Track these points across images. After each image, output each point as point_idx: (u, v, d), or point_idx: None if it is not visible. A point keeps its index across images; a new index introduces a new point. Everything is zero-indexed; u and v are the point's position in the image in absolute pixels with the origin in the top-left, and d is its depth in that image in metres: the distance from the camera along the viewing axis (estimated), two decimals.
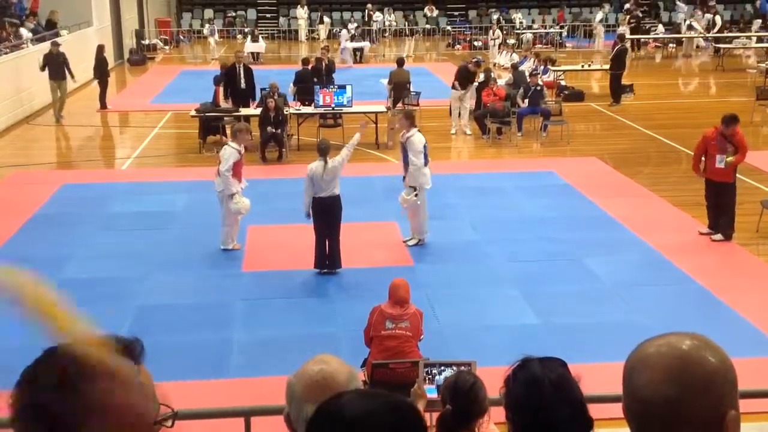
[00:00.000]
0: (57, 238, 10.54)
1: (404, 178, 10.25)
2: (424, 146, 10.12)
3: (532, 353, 2.43)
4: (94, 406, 1.38)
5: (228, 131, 16.34)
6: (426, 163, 10.15)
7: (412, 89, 17.73)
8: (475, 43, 31.35)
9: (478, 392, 3.99)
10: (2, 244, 10.26)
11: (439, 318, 8.16)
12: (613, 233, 10.70)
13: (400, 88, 17.61)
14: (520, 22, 34.48)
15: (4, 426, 1.47)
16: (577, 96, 20.16)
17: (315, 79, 17.56)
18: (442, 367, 4.41)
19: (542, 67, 19.94)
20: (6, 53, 18.60)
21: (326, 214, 9.31)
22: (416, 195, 10.04)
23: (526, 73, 18.44)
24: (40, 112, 19.30)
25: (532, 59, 21.08)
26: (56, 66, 17.99)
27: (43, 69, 17.94)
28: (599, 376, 6.41)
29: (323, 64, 18.93)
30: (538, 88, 16.58)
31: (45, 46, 20.98)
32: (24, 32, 20.83)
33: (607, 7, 34.94)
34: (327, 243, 9.39)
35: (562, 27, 33.10)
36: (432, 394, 4.31)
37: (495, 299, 8.75)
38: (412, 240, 10.34)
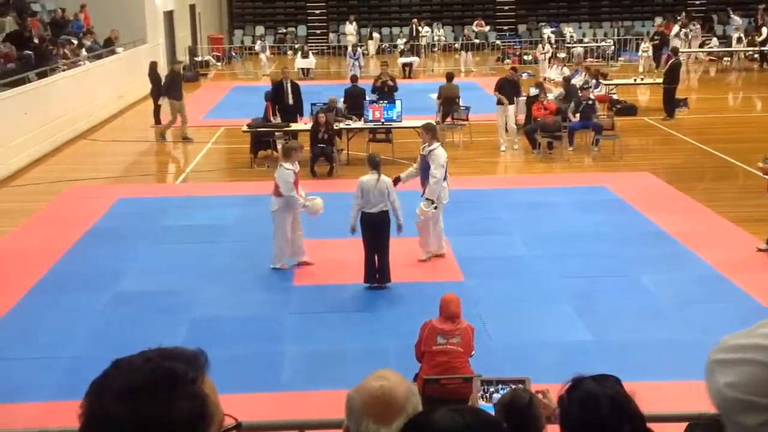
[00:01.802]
0: (113, 251, 10.73)
1: (423, 192, 10.14)
2: (446, 161, 10.08)
3: (586, 371, 2.39)
4: (161, 418, 1.40)
5: (279, 147, 16.56)
6: (445, 178, 10.11)
7: (461, 104, 17.71)
8: (525, 57, 31.21)
9: (535, 410, 3.93)
10: (60, 257, 10.48)
11: (491, 334, 8.09)
12: (668, 249, 10.51)
13: (449, 102, 17.59)
14: (571, 36, 34.26)
15: None
16: (629, 110, 19.92)
17: (378, 98, 17.46)
18: (499, 385, 4.36)
19: (593, 81, 19.74)
20: (64, 70, 19.08)
21: (375, 229, 9.31)
22: (435, 208, 9.98)
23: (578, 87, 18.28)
24: (97, 127, 19.74)
25: (583, 73, 20.89)
26: (177, 85, 18.15)
27: (164, 89, 18.05)
28: (655, 395, 6.31)
29: (386, 83, 18.71)
30: (590, 102, 16.42)
31: (102, 63, 21.52)
32: (83, 50, 21.36)
33: (658, 20, 34.52)
34: (376, 257, 9.38)
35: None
36: (488, 411, 4.27)
37: (547, 315, 8.65)
38: (426, 255, 10.18)
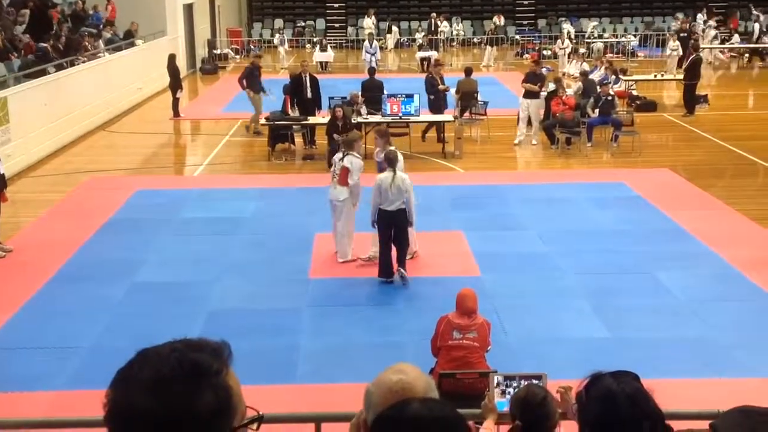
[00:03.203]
0: (131, 242, 10.79)
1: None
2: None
3: (603, 367, 2.38)
4: (186, 409, 1.40)
5: (297, 139, 16.58)
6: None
7: (479, 99, 17.65)
8: (545, 53, 31.05)
9: (549, 406, 3.92)
10: (79, 248, 10.55)
11: (507, 329, 8.07)
12: (687, 246, 10.44)
13: (467, 97, 17.53)
14: (591, 32, 34.04)
15: (100, 425, 1.50)
16: (649, 106, 19.78)
17: (431, 96, 16.86)
18: (522, 381, 4.35)
19: (613, 77, 19.62)
20: (83, 62, 19.19)
21: (392, 226, 9.26)
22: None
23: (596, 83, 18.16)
24: (116, 119, 19.84)
25: (603, 68, 20.75)
26: (256, 78, 18.04)
27: (245, 82, 17.96)
28: (672, 392, 6.27)
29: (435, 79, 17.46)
30: (609, 97, 16.31)
31: (121, 55, 21.62)
32: (100, 42, 21.47)
33: (680, 15, 34.22)
34: (393, 253, 9.34)
35: (734, 33, 31.69)
36: (504, 408, 4.25)
37: (564, 312, 8.62)
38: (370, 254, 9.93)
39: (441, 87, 16.80)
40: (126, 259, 10.11)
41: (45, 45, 18.25)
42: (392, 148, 9.89)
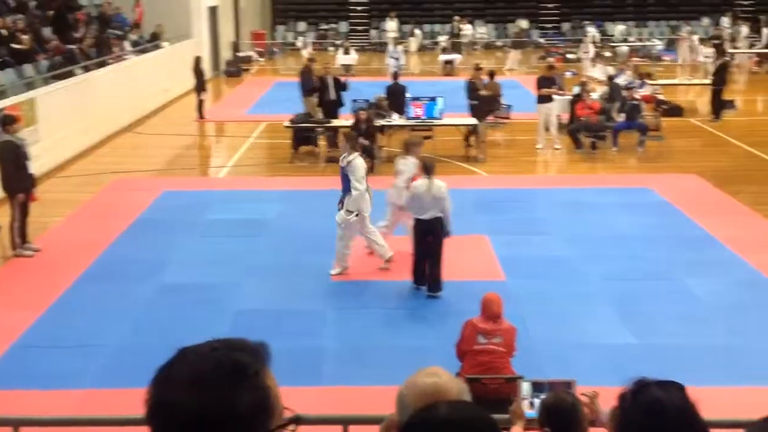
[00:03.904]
0: (157, 243, 10.87)
1: (340, 201, 9.70)
2: (366, 171, 9.66)
3: (630, 375, 2.34)
4: (225, 408, 1.40)
5: (320, 141, 16.61)
6: (366, 188, 9.63)
7: (503, 102, 17.59)
8: (569, 56, 30.92)
9: (578, 413, 3.89)
10: (106, 248, 10.64)
11: (532, 334, 8.02)
12: (714, 253, 10.34)
13: (491, 101, 17.48)
14: (619, 35, 33.84)
15: (127, 423, 1.51)
16: (675, 111, 19.63)
17: (473, 102, 16.59)
18: (545, 387, 4.33)
19: (638, 81, 19.48)
20: (110, 63, 19.35)
21: (428, 236, 8.98)
22: (357, 215, 9.53)
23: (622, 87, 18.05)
24: (142, 120, 19.99)
25: (629, 72, 20.61)
26: (308, 80, 17.93)
27: (310, 87, 17.86)
28: (700, 401, 6.21)
29: (476, 83, 17.11)
30: (635, 102, 16.21)
31: (147, 58, 21.79)
32: (127, 44, 21.65)
33: (705, 20, 33.97)
34: (426, 264, 9.11)
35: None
36: (532, 416, 4.24)
37: (589, 317, 8.56)
38: (335, 270, 9.73)
39: (482, 92, 16.62)
40: (152, 260, 10.18)
41: (73, 47, 18.43)
42: (354, 154, 9.64)
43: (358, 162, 9.59)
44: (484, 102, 16.64)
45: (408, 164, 9.97)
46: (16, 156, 10.17)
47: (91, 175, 14.72)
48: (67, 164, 15.49)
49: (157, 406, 1.43)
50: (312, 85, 17.55)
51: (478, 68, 17.83)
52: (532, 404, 4.34)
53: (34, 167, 10.91)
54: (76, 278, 9.61)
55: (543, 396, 4.33)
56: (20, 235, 10.39)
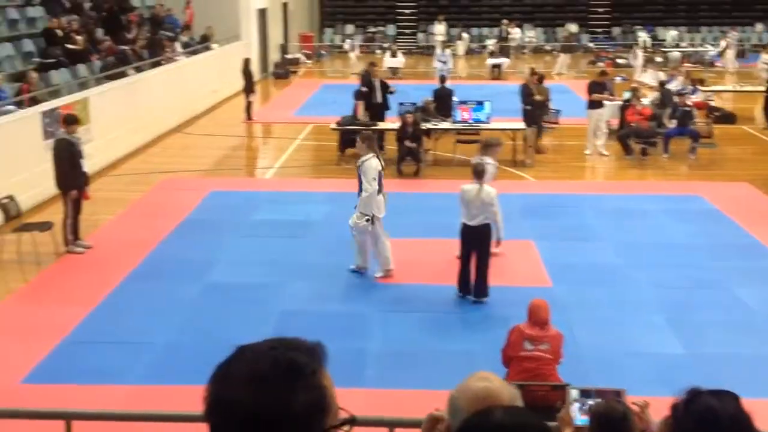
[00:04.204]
0: (204, 242, 10.99)
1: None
2: (379, 173, 9.54)
3: (679, 384, 2.30)
4: (283, 407, 1.41)
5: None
6: (380, 191, 9.57)
7: (551, 107, 17.44)
8: (619, 61, 30.55)
9: (630, 422, 3.83)
10: (155, 246, 10.80)
11: (579, 342, 7.92)
12: (765, 262, 10.14)
13: (539, 105, 17.33)
14: (671, 41, 33.35)
15: (198, 420, 1.52)
16: (728, 118, 19.26)
17: (526, 107, 16.24)
18: (593, 395, 4.27)
19: (690, 87, 19.17)
20: (163, 64, 19.64)
21: (475, 242, 8.84)
22: (368, 221, 9.47)
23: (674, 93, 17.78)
24: (191, 121, 20.25)
25: (681, 78, 20.30)
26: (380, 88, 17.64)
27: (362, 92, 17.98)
28: (754, 413, 6.07)
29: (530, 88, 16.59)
30: (687, 108, 15.95)
31: (197, 59, 22.08)
32: (177, 45, 21.97)
33: (759, 26, 33.30)
34: (472, 270, 9.00)
35: None
36: (582, 423, 4.18)
37: (638, 326, 8.44)
38: (353, 266, 9.82)
39: (537, 97, 16.44)
40: (199, 259, 10.30)
41: (125, 47, 18.76)
42: (370, 155, 9.50)
43: (372, 163, 9.53)
44: (538, 107, 16.46)
45: (487, 166, 9.87)
46: (71, 154, 10.38)
47: (141, 174, 14.95)
48: (118, 163, 15.75)
49: (215, 403, 1.45)
50: (364, 90, 17.54)
51: (533, 73, 17.57)
52: (583, 407, 4.28)
53: (87, 166, 11.11)
54: (125, 276, 9.76)
55: (591, 403, 4.27)
56: (72, 232, 10.59)
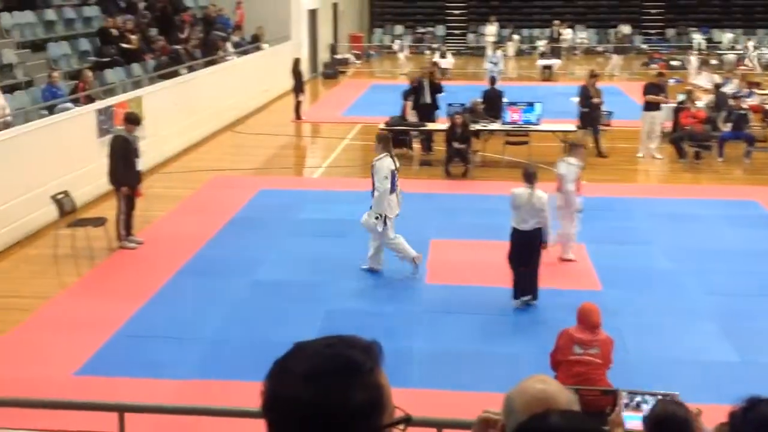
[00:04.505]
0: (253, 240, 11.09)
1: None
2: (392, 172, 9.52)
3: (733, 392, 2.24)
4: (340, 404, 1.41)
5: (414, 145, 16.64)
6: (393, 191, 9.57)
7: (603, 109, 17.21)
8: (673, 63, 30.04)
9: (691, 427, 3.74)
10: (205, 243, 10.93)
11: (628, 347, 7.81)
12: None
13: (597, 107, 17.11)
14: (727, 43, 32.70)
15: (256, 416, 1.52)
16: None
17: (585, 109, 16.07)
18: (645, 396, 4.19)
19: (747, 90, 18.76)
20: (214, 64, 19.87)
21: (527, 247, 8.71)
22: (376, 219, 9.49)
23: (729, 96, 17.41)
24: (242, 120, 20.46)
25: (736, 81, 19.88)
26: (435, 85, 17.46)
27: (437, 91, 17.76)
28: None
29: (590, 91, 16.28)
30: (742, 111, 15.61)
31: (248, 59, 22.30)
32: (229, 45, 22.21)
33: None
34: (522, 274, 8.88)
35: None
36: (634, 421, 4.11)
37: (690, 332, 8.28)
38: (365, 264, 9.90)
39: (595, 100, 16.18)
40: (248, 257, 10.39)
41: (178, 47, 19.04)
42: (384, 154, 9.57)
43: (384, 162, 9.57)
44: (596, 109, 16.23)
45: (571, 167, 9.78)
46: (126, 151, 10.54)
47: (192, 172, 15.15)
48: (170, 161, 15.99)
49: (272, 399, 1.45)
50: (435, 89, 17.50)
51: (593, 75, 17.30)
52: (637, 406, 4.21)
53: (141, 164, 11.28)
54: (176, 272, 9.90)
55: (641, 401, 4.20)
56: (125, 228, 10.77)
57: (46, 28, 16.40)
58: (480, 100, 16.77)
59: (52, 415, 5.78)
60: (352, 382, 1.42)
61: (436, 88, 16.94)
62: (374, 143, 9.90)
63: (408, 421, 1.53)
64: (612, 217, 12.09)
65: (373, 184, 9.63)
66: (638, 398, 4.20)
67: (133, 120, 10.78)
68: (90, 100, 13.84)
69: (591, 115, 16.10)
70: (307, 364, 1.44)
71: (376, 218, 9.52)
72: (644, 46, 33.92)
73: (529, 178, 8.80)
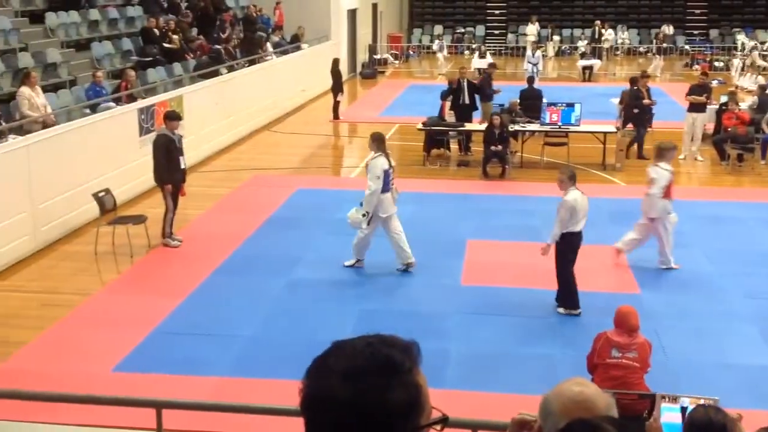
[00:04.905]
0: (290, 239, 11.15)
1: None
2: (384, 172, 9.60)
3: None
4: (379, 403, 1.40)
5: (452, 145, 16.60)
6: (387, 190, 9.69)
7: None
8: (716, 64, 29.57)
9: None
10: (243, 242, 11.02)
11: (667, 351, 7.71)
12: None
13: (647, 109, 16.90)
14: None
15: (292, 414, 1.53)
16: None
17: (635, 110, 15.91)
18: (683, 399, 4.14)
19: None
20: (255, 64, 20.04)
21: (578, 249, 8.66)
22: (364, 216, 9.62)
23: None
24: (280, 120, 20.60)
25: None
26: (489, 86, 17.60)
27: (489, 93, 17.36)
28: None
29: (641, 91, 16.07)
30: None
31: (287, 59, 22.44)
32: (269, 45, 22.38)
33: None
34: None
35: None
36: (670, 413, 4.06)
37: (730, 336, 8.15)
38: (348, 261, 10.05)
39: (646, 101, 15.97)
40: (285, 255, 10.45)
41: (219, 47, 19.22)
42: (379, 153, 9.68)
43: (378, 161, 9.72)
44: (646, 111, 15.99)
45: (661, 172, 9.64)
46: (169, 149, 10.67)
47: (231, 171, 15.29)
48: (209, 159, 16.15)
49: (311, 397, 1.45)
50: (491, 91, 17.46)
51: (644, 75, 17.06)
52: (675, 399, 4.16)
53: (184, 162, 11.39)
54: (213, 270, 10.00)
55: (677, 403, 4.14)
56: (169, 226, 10.90)
57: (90, 27, 16.67)
58: (517, 100, 16.67)
59: (92, 410, 5.87)
60: (391, 381, 1.42)
61: (475, 89, 16.89)
62: (369, 142, 10.05)
63: (445, 421, 1.52)
64: None
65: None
66: (674, 399, 4.15)
67: (173, 117, 10.91)
68: (132, 99, 14.03)
69: (641, 117, 15.89)
70: (346, 362, 1.44)
71: (364, 215, 9.69)
72: (687, 47, 33.43)
73: (575, 179, 8.76)
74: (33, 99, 11.84)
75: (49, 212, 10.95)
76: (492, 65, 18.91)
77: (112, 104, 13.39)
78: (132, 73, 14.63)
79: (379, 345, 1.46)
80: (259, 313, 8.75)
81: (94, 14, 17.00)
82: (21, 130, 11.23)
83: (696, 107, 15.69)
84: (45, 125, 11.65)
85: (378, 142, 9.94)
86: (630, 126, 16.55)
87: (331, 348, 1.49)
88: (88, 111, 13.03)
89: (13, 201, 10.23)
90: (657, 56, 29.33)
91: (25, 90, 11.79)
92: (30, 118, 11.64)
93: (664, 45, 31.60)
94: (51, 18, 15.61)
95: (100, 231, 10.77)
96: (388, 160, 9.87)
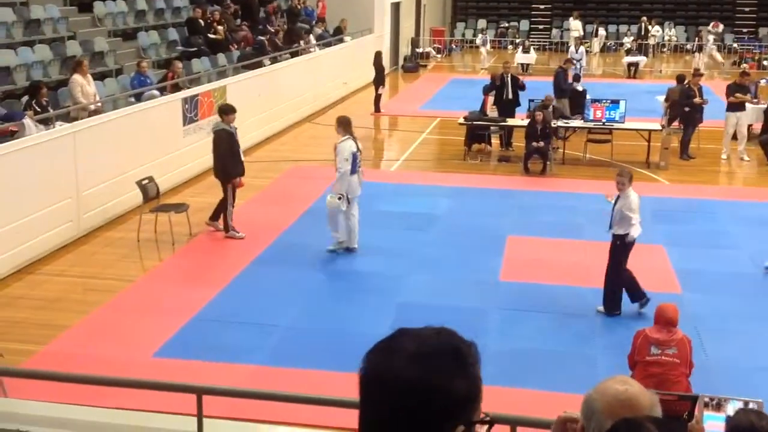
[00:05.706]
0: (328, 231, 11.15)
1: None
2: (353, 154, 10.00)
3: None
4: (444, 389, 1.39)
5: (493, 140, 16.50)
6: (354, 172, 10.10)
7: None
8: (765, 63, 28.97)
9: None
10: (282, 232, 11.09)
11: (708, 352, 7.60)
12: None
13: (677, 106, 16.67)
14: None
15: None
16: None
17: (686, 108, 15.59)
18: (725, 402, 4.08)
19: None
20: (301, 54, 20.12)
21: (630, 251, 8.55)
22: (339, 199, 10.00)
23: None
24: (321, 112, 20.67)
25: None
26: (564, 81, 17.42)
27: (565, 88, 17.38)
28: None
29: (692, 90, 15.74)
30: None
31: (330, 51, 22.50)
32: (312, 38, 22.45)
33: None
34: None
35: None
36: (714, 421, 4.00)
37: None
38: (331, 246, 10.26)
39: (697, 100, 15.62)
40: (323, 247, 10.48)
41: (263, 38, 19.33)
42: (346, 137, 10.08)
43: (346, 144, 10.10)
44: (697, 109, 15.70)
45: None
46: (230, 144, 10.75)
47: (271, 162, 15.38)
48: (251, 150, 16.24)
49: (373, 376, 1.42)
50: (566, 86, 17.32)
51: (697, 74, 16.76)
52: (719, 405, 4.10)
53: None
54: (252, 259, 10.08)
55: (723, 400, 4.08)
56: (215, 218, 10.97)
57: (136, 17, 16.88)
58: (551, 95, 16.49)
59: (133, 394, 5.96)
60: (458, 369, 1.41)
61: (518, 85, 16.76)
62: (336, 126, 10.41)
63: (491, 423, 1.51)
64: (695, 219, 11.77)
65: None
66: (720, 396, 4.09)
67: (228, 110, 10.87)
68: (176, 88, 14.18)
69: (691, 115, 15.61)
70: (414, 344, 1.42)
71: (339, 198, 10.06)
72: (735, 45, 32.81)
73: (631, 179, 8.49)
74: (84, 87, 12.04)
75: (93, 199, 11.13)
76: (569, 60, 18.65)
77: (156, 93, 13.55)
78: (179, 64, 14.77)
79: (447, 335, 1.46)
80: (296, 303, 8.81)
81: (141, 4, 17.21)
82: (68, 117, 11.42)
83: (736, 106, 15.39)
84: (91, 113, 11.84)
85: (345, 125, 10.33)
86: (676, 124, 16.31)
87: (396, 333, 1.47)
88: (132, 99, 13.21)
89: (58, 187, 10.41)
90: (699, 54, 28.81)
91: (77, 77, 11.99)
92: (80, 105, 11.84)
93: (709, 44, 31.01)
94: (99, 7, 15.84)
95: (142, 218, 10.91)
96: (356, 144, 10.30)
